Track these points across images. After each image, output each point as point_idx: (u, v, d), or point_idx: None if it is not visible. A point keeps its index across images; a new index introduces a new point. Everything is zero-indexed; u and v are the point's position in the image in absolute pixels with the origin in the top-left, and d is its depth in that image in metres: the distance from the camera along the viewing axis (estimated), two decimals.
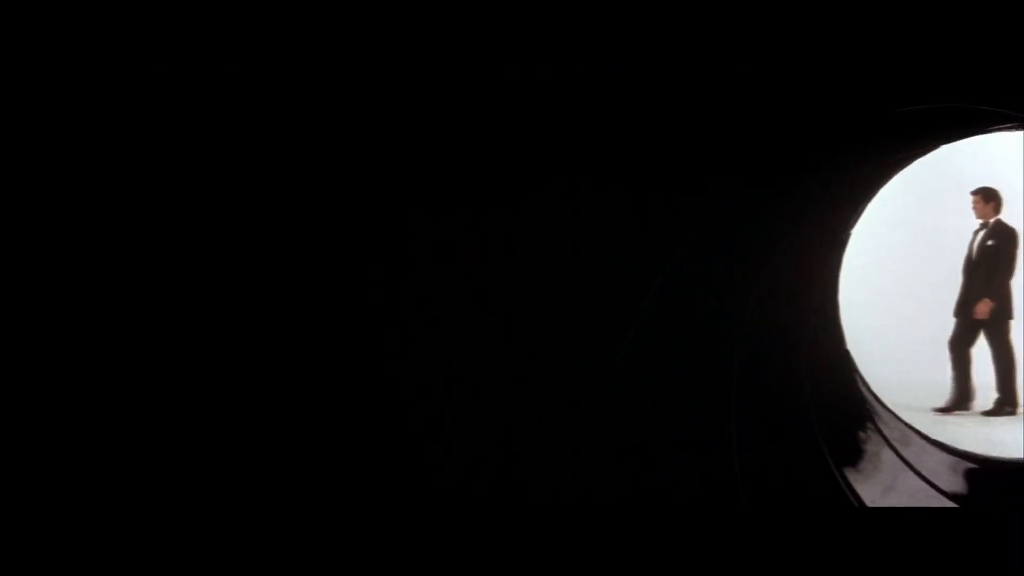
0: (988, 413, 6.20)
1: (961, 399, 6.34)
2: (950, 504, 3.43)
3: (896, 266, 7.57)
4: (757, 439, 3.39)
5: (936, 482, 3.76)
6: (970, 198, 6.45)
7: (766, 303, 3.87)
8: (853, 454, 4.21)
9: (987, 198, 6.37)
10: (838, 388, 4.95)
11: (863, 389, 5.22)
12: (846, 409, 4.82)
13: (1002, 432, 5.48)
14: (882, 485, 3.93)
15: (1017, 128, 4.37)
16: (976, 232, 6.43)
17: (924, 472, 3.99)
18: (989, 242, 6.35)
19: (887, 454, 4.33)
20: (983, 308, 6.23)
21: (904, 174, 5.07)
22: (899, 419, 5.03)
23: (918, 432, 4.89)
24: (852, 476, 3.76)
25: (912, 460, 4.24)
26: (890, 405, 5.15)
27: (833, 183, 4.22)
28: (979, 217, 6.42)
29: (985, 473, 4.16)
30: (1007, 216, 6.42)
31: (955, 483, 3.84)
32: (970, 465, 4.29)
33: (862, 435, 4.56)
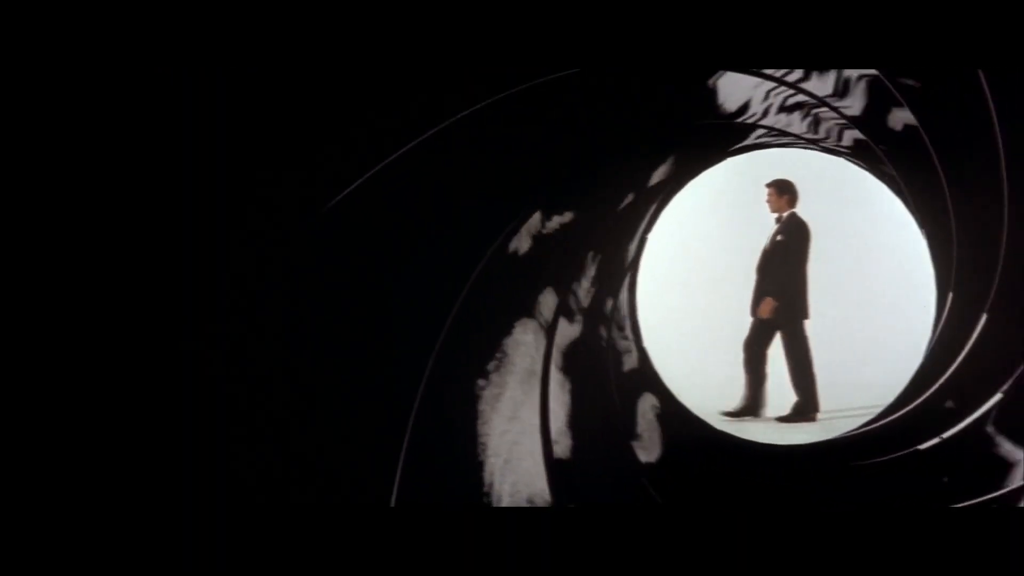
0: (784, 419, 5.84)
1: (752, 404, 5.99)
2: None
3: (697, 265, 7.45)
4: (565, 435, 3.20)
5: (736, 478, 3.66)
6: (765, 191, 6.12)
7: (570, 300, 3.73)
8: (658, 451, 4.08)
9: (781, 191, 6.05)
10: (638, 386, 4.90)
11: (660, 388, 5.15)
12: (646, 407, 4.74)
13: (791, 439, 5.09)
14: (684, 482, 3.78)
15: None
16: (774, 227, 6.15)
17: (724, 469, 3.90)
18: (779, 237, 6.06)
19: (689, 452, 4.24)
20: (766, 307, 5.95)
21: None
22: (698, 417, 4.98)
23: (717, 430, 4.86)
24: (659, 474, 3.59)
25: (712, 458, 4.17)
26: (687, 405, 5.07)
27: (633, 185, 4.18)
28: (773, 211, 6.10)
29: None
30: (803, 210, 6.14)
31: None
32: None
33: (664, 433, 4.47)
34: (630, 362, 2.54)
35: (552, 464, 2.28)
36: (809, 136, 4.31)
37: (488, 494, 2.11)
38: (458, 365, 2.09)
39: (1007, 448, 2.83)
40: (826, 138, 4.29)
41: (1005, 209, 2.88)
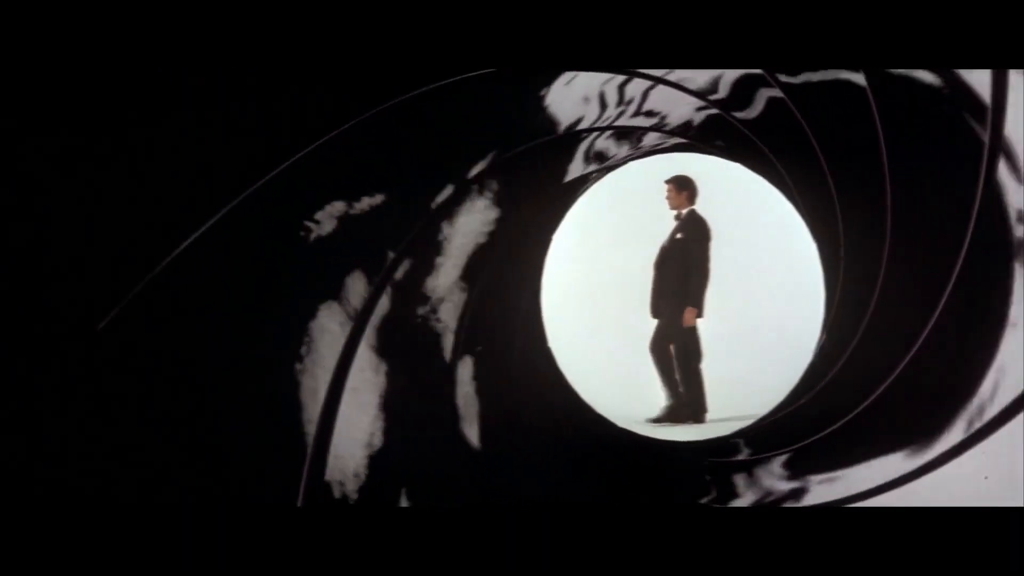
0: (656, 420, 5.76)
1: (681, 406, 5.86)
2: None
3: (601, 266, 7.38)
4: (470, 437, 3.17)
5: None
6: (665, 187, 6.01)
7: (480, 303, 3.73)
8: (565, 451, 4.07)
9: (680, 187, 5.93)
10: (542, 386, 4.92)
11: (564, 388, 5.17)
12: (552, 407, 4.76)
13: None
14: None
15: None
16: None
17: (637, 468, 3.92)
18: (678, 235, 5.95)
19: (598, 451, 4.25)
20: (689, 317, 5.83)
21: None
22: (604, 418, 5.02)
23: (626, 430, 4.90)
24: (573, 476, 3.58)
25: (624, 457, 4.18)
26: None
27: (537, 187, 4.19)
28: (673, 208, 5.98)
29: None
30: (703, 206, 6.05)
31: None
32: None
33: (571, 433, 4.49)
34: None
35: (372, 448, 2.21)
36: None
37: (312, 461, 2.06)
38: (271, 350, 2.04)
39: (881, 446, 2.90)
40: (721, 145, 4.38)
41: (888, 214, 2.97)
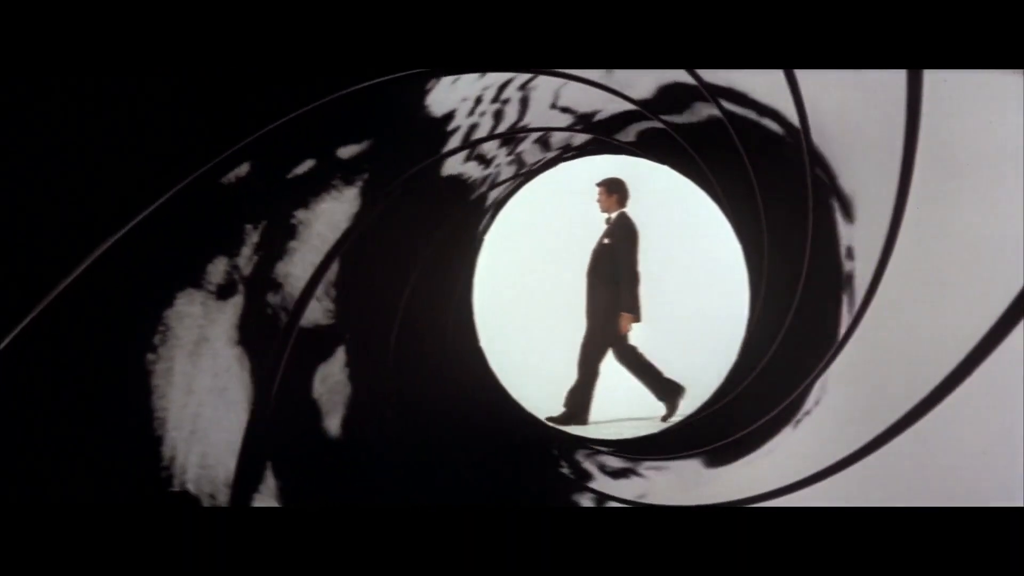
0: (553, 420, 5.71)
1: (578, 409, 5.88)
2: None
3: (537, 267, 7.36)
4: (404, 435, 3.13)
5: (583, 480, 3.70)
6: (596, 190, 6.02)
7: (412, 302, 3.70)
8: (493, 451, 4.07)
9: (611, 190, 5.94)
10: (473, 385, 4.91)
11: (496, 387, 5.18)
12: (481, 406, 4.75)
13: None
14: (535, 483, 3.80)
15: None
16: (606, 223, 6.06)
17: (570, 469, 3.93)
18: (606, 240, 5.97)
19: (532, 451, 4.25)
20: (625, 324, 5.84)
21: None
22: (533, 418, 5.04)
23: (557, 429, 4.93)
24: (504, 475, 3.58)
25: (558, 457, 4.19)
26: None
27: (470, 187, 4.19)
28: (603, 210, 6.00)
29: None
30: (634, 209, 6.07)
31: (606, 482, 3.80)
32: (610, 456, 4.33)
33: (503, 436, 4.48)
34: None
35: (250, 433, 2.16)
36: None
37: (170, 467, 1.99)
38: (124, 341, 1.95)
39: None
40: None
41: (809, 217, 3.03)
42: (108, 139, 1.75)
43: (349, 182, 2.44)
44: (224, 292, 2.08)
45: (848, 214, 2.79)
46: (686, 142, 3.91)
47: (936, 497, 1.87)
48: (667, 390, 5.86)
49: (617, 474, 3.90)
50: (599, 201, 6.03)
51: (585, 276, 6.07)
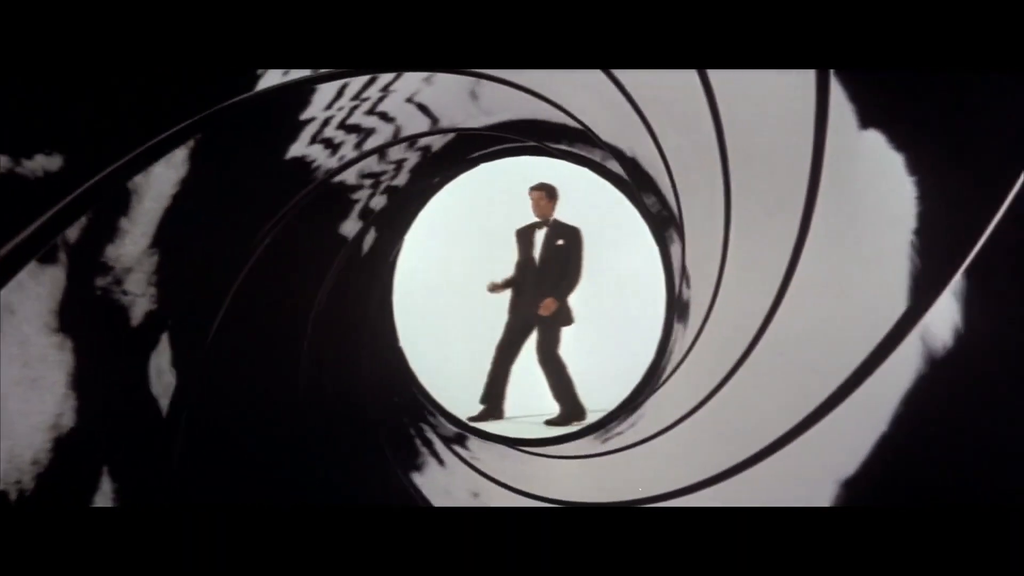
0: (552, 422, 5.81)
1: (493, 407, 5.99)
2: (518, 499, 3.31)
3: (460, 268, 7.31)
4: (322, 437, 3.06)
5: (499, 478, 3.65)
6: (530, 195, 6.13)
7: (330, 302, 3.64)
8: (413, 454, 4.01)
9: (551, 195, 6.10)
10: (394, 386, 4.86)
11: (416, 388, 5.14)
12: (403, 407, 4.69)
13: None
14: (444, 484, 3.76)
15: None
16: (532, 230, 6.16)
17: (485, 470, 3.88)
18: (559, 242, 6.07)
19: (446, 453, 4.19)
20: (549, 305, 5.96)
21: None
22: (454, 417, 5.00)
23: (474, 430, 4.89)
24: (415, 476, 3.53)
25: (469, 458, 4.14)
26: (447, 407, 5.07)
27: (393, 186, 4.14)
28: (540, 215, 6.13)
29: (543, 463, 4.20)
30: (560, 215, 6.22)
31: (517, 477, 3.77)
32: (529, 455, 4.31)
33: (419, 434, 4.43)
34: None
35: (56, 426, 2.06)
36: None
37: None
38: None
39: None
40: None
41: (730, 216, 3.06)
42: None
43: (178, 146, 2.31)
44: (40, 275, 1.94)
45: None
46: (604, 146, 3.92)
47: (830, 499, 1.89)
48: (572, 406, 5.94)
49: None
50: (539, 205, 6.11)
51: (528, 278, 6.13)
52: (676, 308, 4.38)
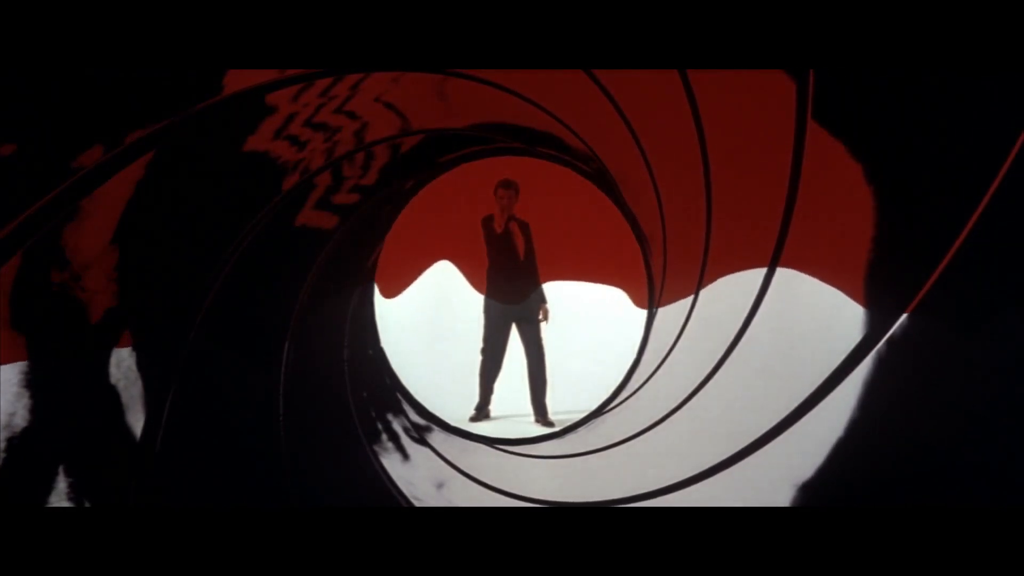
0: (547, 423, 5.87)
1: (485, 406, 6.05)
2: (501, 498, 3.30)
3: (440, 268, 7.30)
4: (304, 437, 3.04)
5: (481, 478, 3.64)
6: (499, 192, 6.06)
7: (311, 302, 3.63)
8: (398, 453, 4.00)
9: (517, 191, 6.06)
10: (374, 386, 4.84)
11: (398, 390, 5.13)
12: (384, 407, 4.68)
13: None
14: (431, 483, 3.75)
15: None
16: (497, 225, 6.11)
17: (466, 469, 3.87)
18: (528, 240, 6.11)
19: (427, 453, 4.19)
20: (545, 314, 6.06)
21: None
22: (437, 418, 4.99)
23: (456, 430, 4.88)
24: (397, 475, 3.51)
25: (452, 458, 4.13)
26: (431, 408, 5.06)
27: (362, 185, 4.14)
28: (506, 211, 6.07)
29: (524, 465, 4.20)
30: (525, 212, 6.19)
31: (499, 478, 3.76)
32: (511, 457, 4.31)
33: (404, 434, 4.42)
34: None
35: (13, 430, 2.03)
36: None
37: None
38: None
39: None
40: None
41: (710, 213, 3.06)
42: None
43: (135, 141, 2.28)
44: None
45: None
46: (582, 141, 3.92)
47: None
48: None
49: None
50: (508, 204, 6.08)
51: (509, 275, 6.13)
52: (657, 309, 4.39)
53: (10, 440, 1.88)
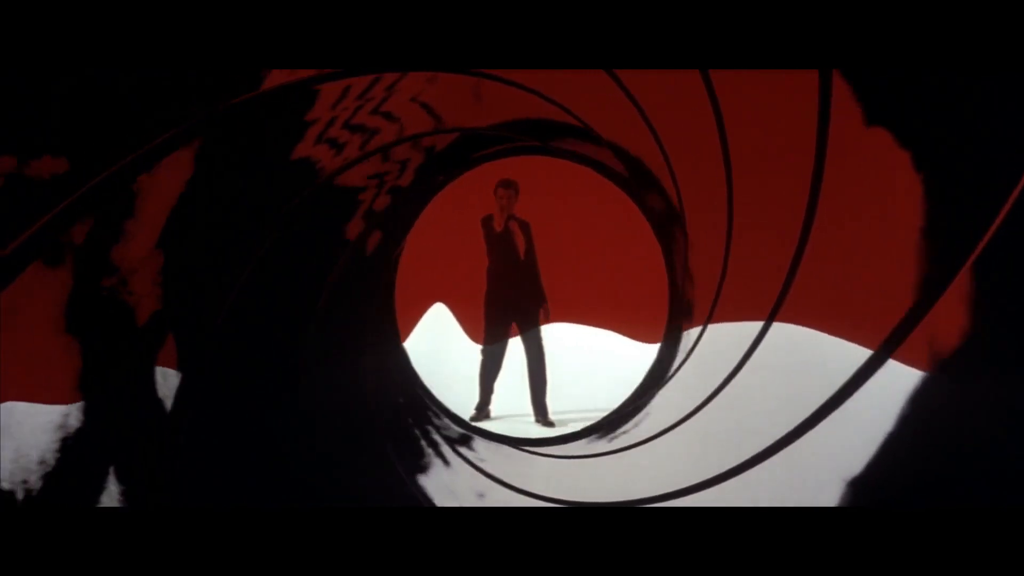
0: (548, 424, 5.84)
1: (483, 405, 5.99)
2: (523, 499, 3.31)
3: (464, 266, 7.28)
4: (325, 437, 3.06)
5: (503, 478, 3.65)
6: (499, 192, 6.00)
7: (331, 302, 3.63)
8: (417, 454, 4.01)
9: (516, 191, 6.00)
10: (398, 386, 4.86)
11: (419, 389, 5.14)
12: (406, 407, 4.69)
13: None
14: (449, 485, 3.75)
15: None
16: (497, 224, 6.05)
17: (488, 469, 3.88)
18: (527, 236, 6.06)
19: (449, 453, 4.19)
20: (544, 316, 5.99)
21: None
22: (457, 417, 4.99)
23: (477, 430, 4.89)
24: (419, 477, 3.52)
25: (474, 459, 4.14)
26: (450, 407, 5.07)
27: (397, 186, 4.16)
28: (506, 210, 6.00)
29: (547, 462, 4.19)
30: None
31: (521, 477, 3.76)
32: (532, 456, 4.31)
33: (424, 435, 4.43)
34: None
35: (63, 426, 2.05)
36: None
37: None
38: None
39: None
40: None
41: (732, 215, 3.05)
42: None
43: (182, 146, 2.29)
44: (47, 277, 1.93)
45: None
46: (604, 143, 3.91)
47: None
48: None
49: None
50: (506, 201, 6.02)
51: (515, 276, 6.10)
52: (679, 307, 4.37)
53: (64, 440, 1.91)
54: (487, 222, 6.08)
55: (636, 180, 4.12)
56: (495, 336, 6.05)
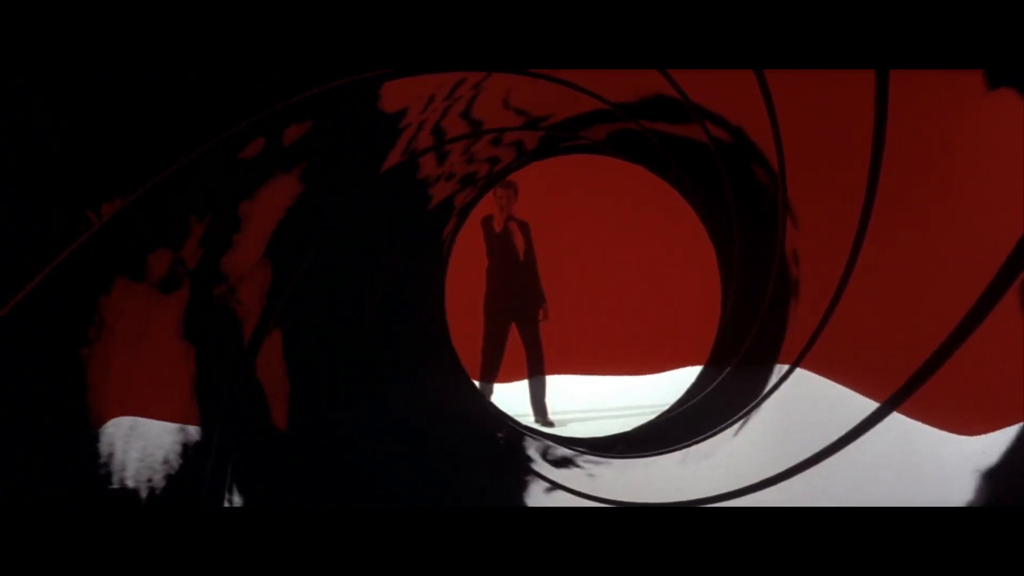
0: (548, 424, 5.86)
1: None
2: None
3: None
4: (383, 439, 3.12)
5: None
6: (498, 193, 5.96)
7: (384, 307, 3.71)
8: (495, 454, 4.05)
9: (515, 191, 6.01)
10: (453, 389, 4.90)
11: (473, 388, 5.18)
12: (467, 409, 4.73)
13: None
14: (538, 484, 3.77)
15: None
16: (496, 225, 6.05)
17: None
18: (526, 237, 6.10)
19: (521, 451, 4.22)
20: (544, 314, 6.05)
21: None
22: (515, 421, 5.02)
23: (531, 429, 4.91)
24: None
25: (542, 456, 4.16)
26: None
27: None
28: (505, 210, 6.00)
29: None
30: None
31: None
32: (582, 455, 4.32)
33: (496, 435, 4.46)
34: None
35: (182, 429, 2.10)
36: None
37: (108, 463, 1.92)
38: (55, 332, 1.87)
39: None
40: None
41: (781, 216, 3.04)
42: (47, 134, 1.70)
43: (288, 169, 2.36)
44: (167, 286, 2.01)
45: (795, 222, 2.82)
46: (659, 144, 3.92)
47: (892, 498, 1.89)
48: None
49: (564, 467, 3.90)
50: (506, 202, 6.01)
51: (510, 276, 6.12)
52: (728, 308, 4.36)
53: (184, 446, 1.98)
54: (487, 222, 6.07)
55: (693, 184, 4.11)
56: (494, 336, 6.02)
